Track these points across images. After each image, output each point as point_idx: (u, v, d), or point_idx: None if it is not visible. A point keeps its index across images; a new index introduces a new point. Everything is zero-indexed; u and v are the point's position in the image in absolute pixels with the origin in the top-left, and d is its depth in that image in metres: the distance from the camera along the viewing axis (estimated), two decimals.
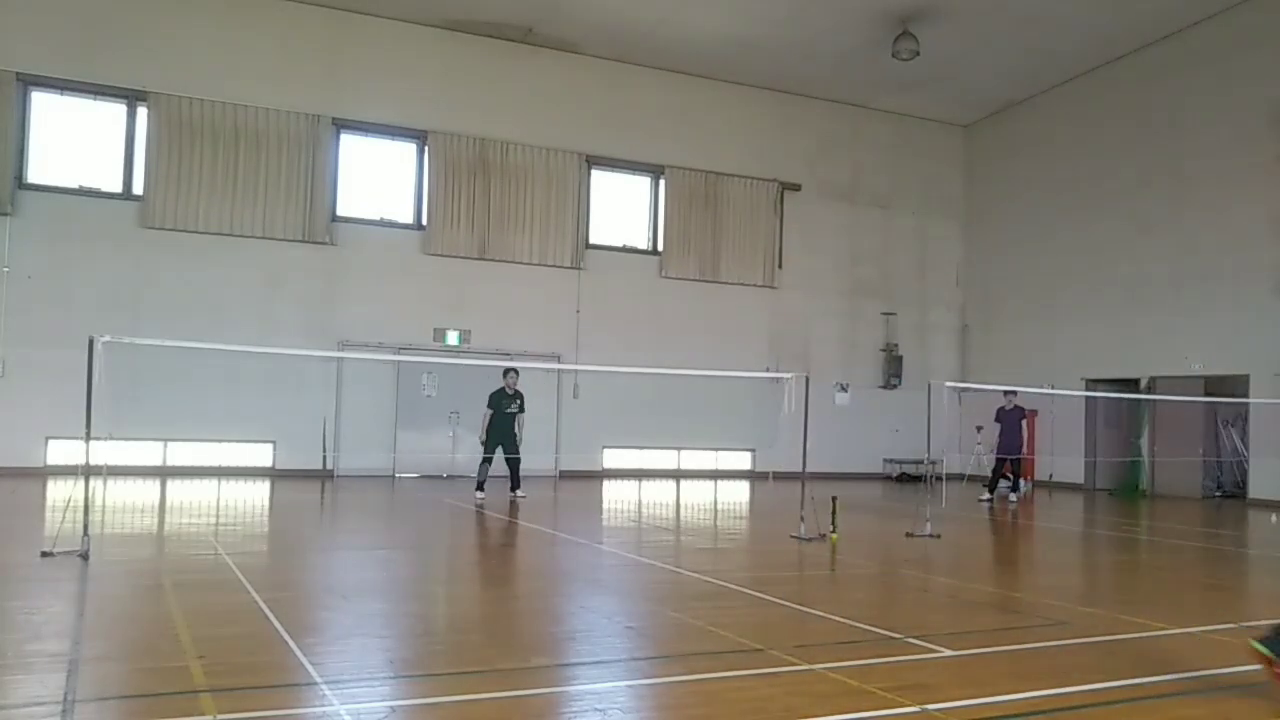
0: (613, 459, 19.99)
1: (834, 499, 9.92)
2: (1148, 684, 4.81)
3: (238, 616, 5.84)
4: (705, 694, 4.49)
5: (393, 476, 18.07)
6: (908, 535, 10.66)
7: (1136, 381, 18.95)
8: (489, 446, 14.00)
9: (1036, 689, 4.62)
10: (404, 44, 18.62)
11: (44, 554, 7.60)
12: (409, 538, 11.03)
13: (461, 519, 12.37)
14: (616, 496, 16.14)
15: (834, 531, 9.86)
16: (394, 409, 18.30)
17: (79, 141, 16.99)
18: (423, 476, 18.28)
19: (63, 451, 15.78)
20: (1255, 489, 17.30)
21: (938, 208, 23.41)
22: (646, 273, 20.57)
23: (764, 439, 16.07)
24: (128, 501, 12.64)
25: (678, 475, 20.43)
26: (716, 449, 20.98)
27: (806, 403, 10.89)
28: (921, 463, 16.61)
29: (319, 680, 4.43)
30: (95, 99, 16.98)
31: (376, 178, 18.91)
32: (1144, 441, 19.05)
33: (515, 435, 14.10)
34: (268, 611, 5.89)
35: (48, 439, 16.14)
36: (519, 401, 14.15)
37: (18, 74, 16.18)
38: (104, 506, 10.32)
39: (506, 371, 14.22)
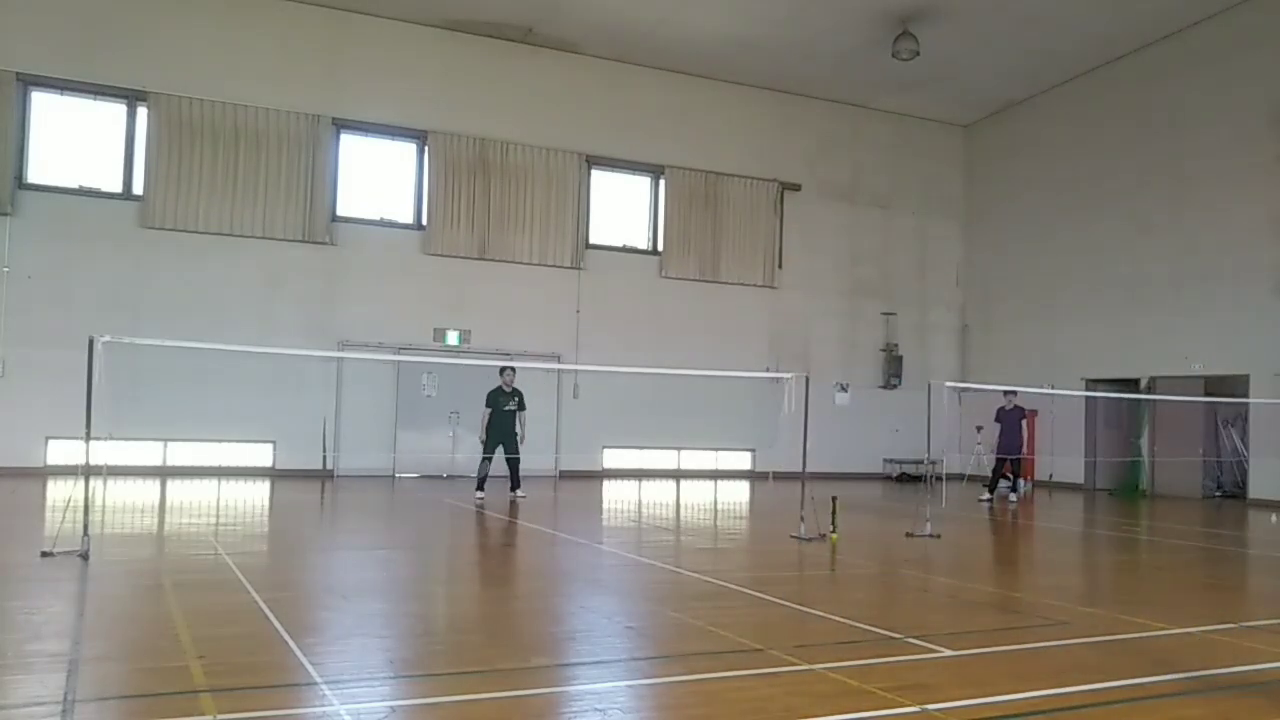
0: (613, 459, 20.00)
1: (834, 499, 9.92)
2: (1148, 684, 4.82)
3: (238, 616, 5.85)
4: (705, 694, 4.49)
5: (393, 476, 18.07)
6: (908, 535, 10.67)
7: (1136, 381, 18.94)
8: (488, 445, 14.02)
9: (1036, 689, 4.62)
10: (404, 44, 18.63)
11: (44, 554, 7.61)
12: (409, 538, 11.03)
13: (461, 519, 12.37)
14: (616, 496, 16.14)
15: (834, 531, 9.85)
16: (394, 409, 18.30)
17: (79, 141, 16.99)
18: (423, 476, 18.27)
19: (63, 451, 15.79)
20: (1255, 489, 17.30)
21: (938, 208, 23.41)
22: (646, 273, 20.57)
23: (764, 439, 16.05)
24: (128, 501, 12.64)
25: (678, 475, 20.43)
26: (716, 449, 20.98)
27: (806, 403, 10.89)
28: (921, 463, 16.61)
29: (319, 680, 4.43)
30: (95, 99, 16.99)
31: (376, 178, 18.90)
32: (1144, 441, 19.05)
33: (515, 433, 14.10)
34: (268, 611, 5.89)
35: (48, 439, 16.15)
36: (518, 399, 14.16)
37: (18, 74, 16.19)
38: (104, 506, 10.32)
39: (503, 369, 14.25)
